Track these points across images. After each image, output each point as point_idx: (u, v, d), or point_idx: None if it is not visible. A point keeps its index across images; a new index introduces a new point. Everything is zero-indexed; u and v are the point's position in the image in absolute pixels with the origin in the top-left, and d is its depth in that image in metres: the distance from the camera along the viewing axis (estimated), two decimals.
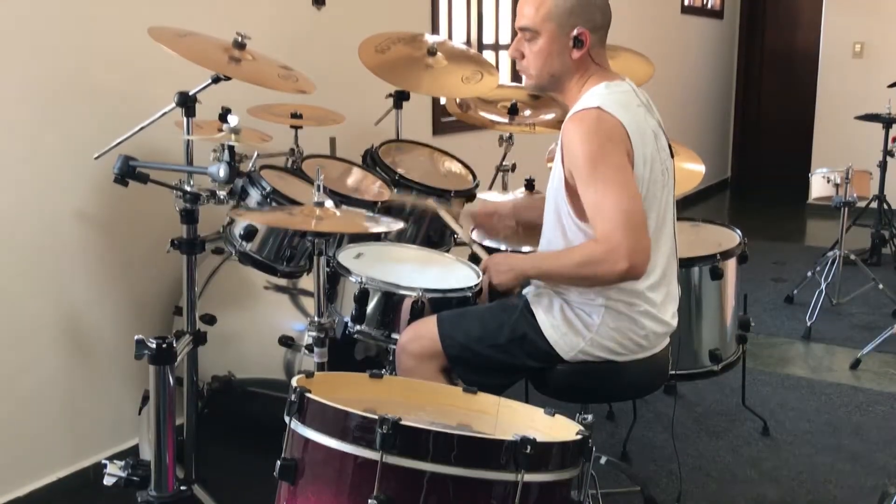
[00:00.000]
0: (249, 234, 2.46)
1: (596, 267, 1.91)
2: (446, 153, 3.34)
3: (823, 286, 4.46)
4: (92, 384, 2.79)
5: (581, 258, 1.95)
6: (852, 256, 4.62)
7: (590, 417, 1.59)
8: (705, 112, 8.10)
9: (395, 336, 2.24)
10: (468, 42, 4.66)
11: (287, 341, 2.68)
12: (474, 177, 3.22)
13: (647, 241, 1.92)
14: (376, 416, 1.40)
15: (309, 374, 1.65)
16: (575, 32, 2.00)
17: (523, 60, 2.10)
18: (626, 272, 1.88)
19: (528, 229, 2.33)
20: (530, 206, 2.55)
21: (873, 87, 6.60)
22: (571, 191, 1.99)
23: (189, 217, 2.30)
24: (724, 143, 8.69)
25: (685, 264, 2.68)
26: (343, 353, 2.44)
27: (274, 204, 2.43)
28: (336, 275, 2.33)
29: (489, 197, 3.19)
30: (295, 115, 2.99)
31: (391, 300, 2.25)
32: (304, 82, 2.54)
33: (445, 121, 4.27)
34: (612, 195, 1.89)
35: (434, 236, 2.99)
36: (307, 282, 2.73)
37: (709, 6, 7.94)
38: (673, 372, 2.57)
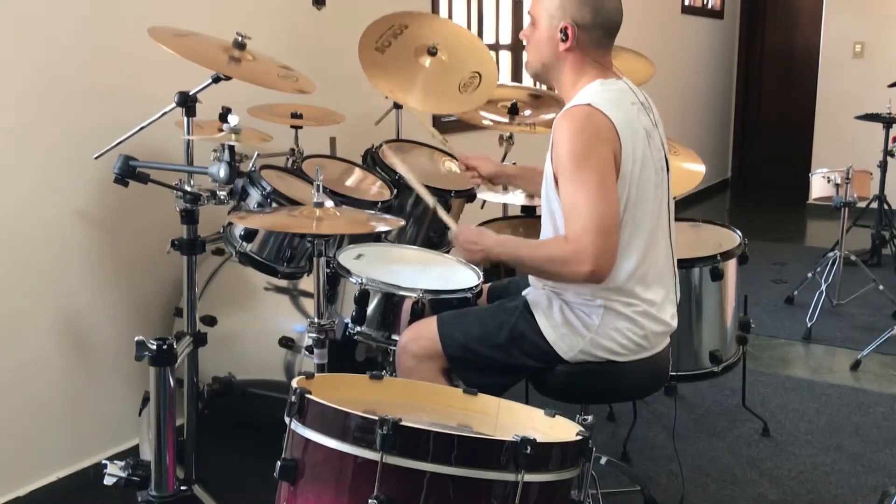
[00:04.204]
0: (249, 234, 2.47)
1: (561, 266, 1.94)
2: (446, 153, 3.34)
3: (824, 287, 4.45)
4: (92, 385, 2.79)
5: (549, 254, 1.98)
6: (853, 257, 4.61)
7: (590, 418, 1.59)
8: (705, 112, 8.10)
9: (395, 337, 2.24)
10: None
11: (287, 342, 2.68)
12: None
13: (615, 247, 1.95)
14: (376, 417, 1.40)
15: (309, 376, 1.65)
16: (561, 25, 2.03)
17: (528, 45, 2.16)
18: (589, 275, 1.91)
19: (527, 228, 2.31)
20: (534, 175, 2.48)
21: (873, 87, 6.60)
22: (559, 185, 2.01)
23: (189, 217, 2.30)
24: (724, 143, 8.69)
25: (685, 265, 2.67)
26: (343, 354, 2.44)
27: (274, 204, 2.43)
28: (336, 276, 2.33)
29: (489, 198, 3.19)
30: (295, 115, 2.99)
31: (391, 301, 2.25)
32: (305, 82, 2.54)
33: (446, 120, 4.27)
34: (588, 197, 1.91)
35: (434, 237, 2.99)
36: (307, 283, 2.73)
37: (709, 6, 7.94)
38: (673, 373, 2.58)
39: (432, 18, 3.25)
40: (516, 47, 5.06)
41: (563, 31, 2.03)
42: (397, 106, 3.32)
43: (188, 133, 2.27)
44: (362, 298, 2.24)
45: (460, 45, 3.27)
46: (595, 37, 2.06)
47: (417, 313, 2.20)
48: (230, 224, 2.51)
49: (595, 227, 1.89)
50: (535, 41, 2.10)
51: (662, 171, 2.09)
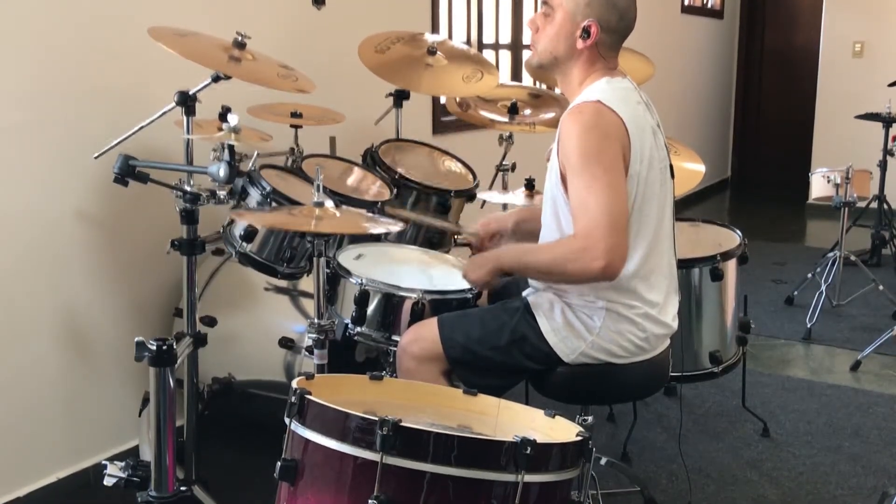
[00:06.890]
0: (249, 234, 2.46)
1: (570, 263, 1.91)
2: (446, 152, 3.34)
3: (824, 287, 4.45)
4: (92, 385, 2.79)
5: (555, 255, 1.95)
6: (852, 257, 4.61)
7: (590, 419, 1.59)
8: (705, 112, 8.10)
9: (395, 338, 2.23)
10: (468, 41, 4.66)
11: (287, 343, 2.68)
12: (474, 176, 3.22)
13: (626, 243, 1.92)
14: (376, 418, 1.40)
15: (309, 376, 1.65)
16: (585, 23, 2.01)
17: (536, 33, 2.11)
18: (602, 271, 1.88)
19: (530, 237, 2.28)
20: (532, 217, 2.37)
21: (873, 86, 6.60)
22: (567, 182, 2.00)
23: (189, 217, 2.29)
24: (724, 143, 8.69)
25: (685, 265, 2.67)
26: (343, 354, 2.44)
27: (274, 204, 2.42)
28: (336, 276, 2.32)
29: (489, 198, 3.19)
30: (295, 115, 2.99)
31: (391, 302, 2.25)
32: (304, 81, 2.54)
33: (445, 120, 4.27)
34: (598, 193, 1.89)
35: (434, 238, 2.99)
36: (307, 283, 2.73)
37: (709, 6, 7.94)
38: (673, 373, 2.58)
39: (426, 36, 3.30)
40: (516, 47, 5.06)
41: (586, 29, 2.01)
42: (397, 105, 3.32)
43: (188, 132, 2.26)
44: (362, 299, 2.23)
45: (457, 53, 3.30)
46: (613, 39, 2.06)
47: (417, 314, 2.20)
48: (230, 224, 2.51)
49: (606, 223, 1.87)
50: (551, 33, 2.05)
51: (666, 170, 2.09)
